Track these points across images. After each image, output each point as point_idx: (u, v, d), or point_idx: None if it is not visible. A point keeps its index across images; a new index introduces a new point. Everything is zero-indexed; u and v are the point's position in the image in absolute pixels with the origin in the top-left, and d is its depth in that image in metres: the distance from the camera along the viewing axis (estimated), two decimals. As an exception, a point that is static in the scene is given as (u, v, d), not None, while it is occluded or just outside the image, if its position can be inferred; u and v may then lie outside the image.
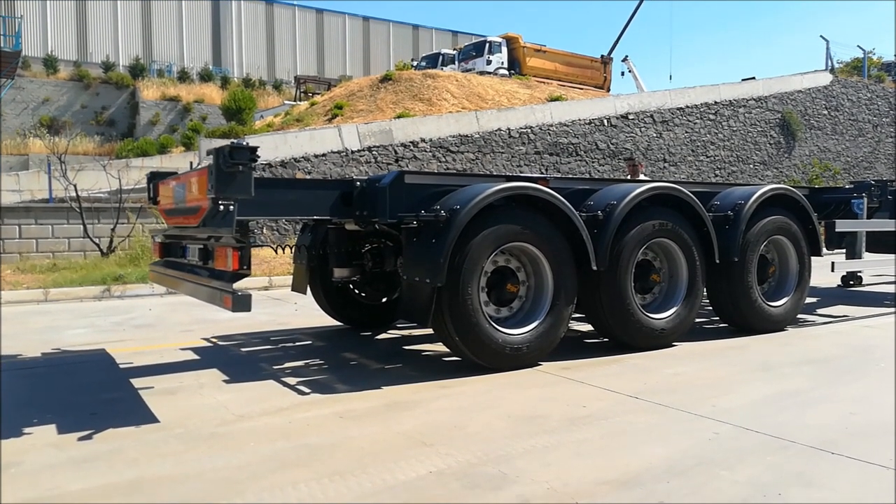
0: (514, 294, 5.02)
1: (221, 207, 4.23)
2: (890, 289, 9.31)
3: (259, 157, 4.36)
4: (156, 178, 5.87)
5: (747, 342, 5.88)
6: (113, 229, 11.58)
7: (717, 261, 5.82)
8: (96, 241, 11.62)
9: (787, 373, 4.79)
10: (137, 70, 38.56)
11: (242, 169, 4.20)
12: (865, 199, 6.99)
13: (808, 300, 7.49)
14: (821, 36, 41.29)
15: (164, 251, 5.77)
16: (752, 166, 21.81)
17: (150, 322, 7.40)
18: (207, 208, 4.39)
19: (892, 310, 7.51)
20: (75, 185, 11.38)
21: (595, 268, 5.11)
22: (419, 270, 4.65)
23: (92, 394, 4.38)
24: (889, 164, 26.15)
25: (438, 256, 4.52)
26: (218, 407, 4.05)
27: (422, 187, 5.03)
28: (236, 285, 4.18)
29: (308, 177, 14.34)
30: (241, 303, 3.99)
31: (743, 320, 6.16)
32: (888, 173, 26.00)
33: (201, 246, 4.81)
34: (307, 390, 4.39)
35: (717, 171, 20.85)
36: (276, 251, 6.12)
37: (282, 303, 8.76)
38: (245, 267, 4.15)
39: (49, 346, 6.05)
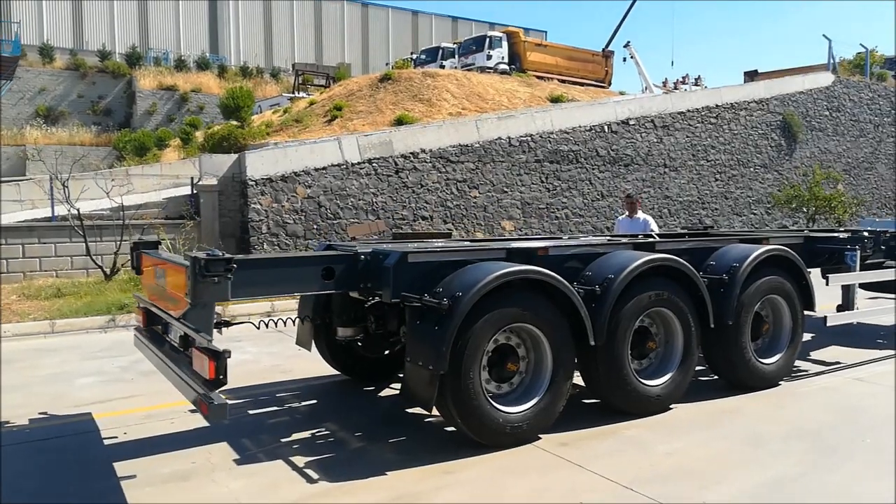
0: (513, 371, 5.17)
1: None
2: (885, 319, 9.40)
3: (235, 266, 4.50)
4: (139, 247, 5.89)
5: (740, 404, 6.04)
6: (116, 252, 11.69)
7: (712, 325, 5.97)
8: (99, 263, 11.74)
9: (777, 450, 4.95)
10: (134, 59, 38.28)
11: (219, 280, 4.38)
12: (859, 252, 7.12)
13: (803, 336, 7.60)
14: (823, 35, 41.06)
15: (149, 319, 5.68)
16: (752, 169, 21.86)
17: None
18: (186, 306, 4.51)
19: (886, 353, 7.68)
20: (79, 210, 11.49)
21: (593, 343, 5.26)
22: (422, 356, 4.79)
23: (105, 479, 4.52)
24: (889, 165, 26.17)
25: (441, 345, 4.65)
26: (230, 498, 4.22)
27: (424, 264, 5.16)
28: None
29: (308, 191, 14.42)
30: (217, 413, 3.97)
31: (737, 379, 6.33)
32: (888, 174, 26.05)
33: (182, 333, 4.72)
34: (315, 476, 4.55)
35: (718, 176, 20.91)
36: (258, 327, 5.72)
37: (284, 339, 8.88)
38: (221, 376, 4.09)
39: (59, 401, 6.22)
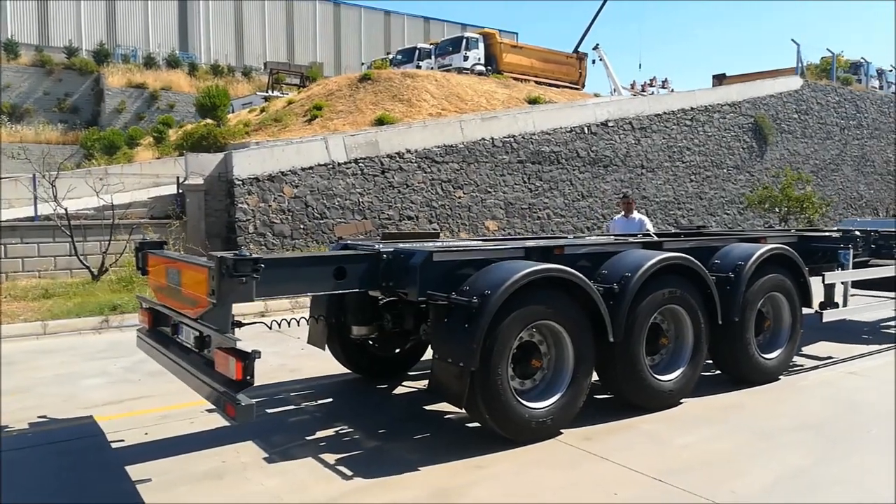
0: (536, 368, 5.29)
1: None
2: (866, 315, 9.73)
3: (262, 266, 4.49)
4: (145, 247, 5.76)
5: (743, 399, 6.24)
6: (104, 252, 11.49)
7: (720, 322, 6.17)
8: (86, 263, 11.53)
9: (786, 442, 5.15)
10: (102, 56, 37.55)
11: (246, 280, 4.37)
12: (852, 251, 7.41)
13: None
14: (792, 40, 42.28)
15: (154, 320, 5.57)
16: (725, 171, 22.43)
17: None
18: (206, 307, 4.48)
19: (875, 348, 8.02)
20: (66, 210, 11.26)
21: (612, 340, 5.40)
22: (452, 353, 4.87)
23: (138, 479, 4.51)
24: (854, 167, 27.10)
25: (472, 342, 4.74)
26: (269, 497, 4.25)
27: (449, 263, 5.24)
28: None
29: (295, 191, 14.36)
30: (245, 413, 3.94)
31: (740, 374, 6.55)
32: (853, 175, 26.96)
33: (198, 334, 4.65)
34: (349, 472, 4.59)
35: (693, 177, 21.41)
36: (270, 327, 5.61)
37: (284, 337, 8.86)
38: (249, 377, 4.05)
39: (70, 403, 6.14)
